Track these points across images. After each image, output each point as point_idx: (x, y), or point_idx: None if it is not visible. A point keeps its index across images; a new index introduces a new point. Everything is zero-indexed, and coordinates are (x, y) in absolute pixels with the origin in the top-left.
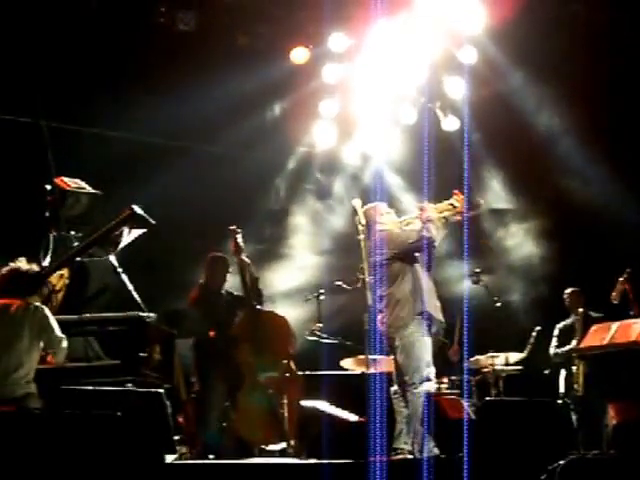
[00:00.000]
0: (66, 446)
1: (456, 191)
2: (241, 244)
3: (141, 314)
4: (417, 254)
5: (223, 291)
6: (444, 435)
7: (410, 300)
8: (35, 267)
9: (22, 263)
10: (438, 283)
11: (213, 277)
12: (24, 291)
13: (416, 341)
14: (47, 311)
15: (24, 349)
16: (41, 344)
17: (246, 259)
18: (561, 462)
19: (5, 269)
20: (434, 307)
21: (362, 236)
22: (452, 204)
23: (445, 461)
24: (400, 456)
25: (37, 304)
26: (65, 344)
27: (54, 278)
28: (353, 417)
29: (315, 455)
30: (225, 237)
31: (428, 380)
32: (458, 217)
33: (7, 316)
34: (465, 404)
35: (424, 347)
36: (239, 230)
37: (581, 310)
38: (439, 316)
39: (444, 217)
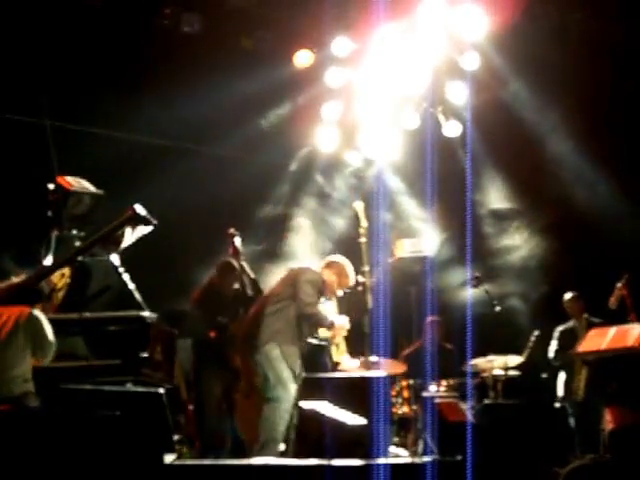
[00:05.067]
0: (65, 445)
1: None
2: (239, 248)
3: (142, 314)
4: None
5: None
6: (443, 438)
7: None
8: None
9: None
10: (440, 290)
11: (222, 282)
12: (25, 302)
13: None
14: (43, 317)
15: (18, 349)
16: (32, 347)
17: (244, 263)
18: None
19: (6, 283)
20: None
21: (363, 239)
22: None
23: (445, 464)
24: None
25: (35, 311)
26: (54, 350)
27: (55, 277)
28: (354, 419)
29: (315, 457)
30: (228, 239)
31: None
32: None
33: (3, 318)
34: (466, 407)
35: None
36: (237, 233)
37: (584, 316)
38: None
39: None
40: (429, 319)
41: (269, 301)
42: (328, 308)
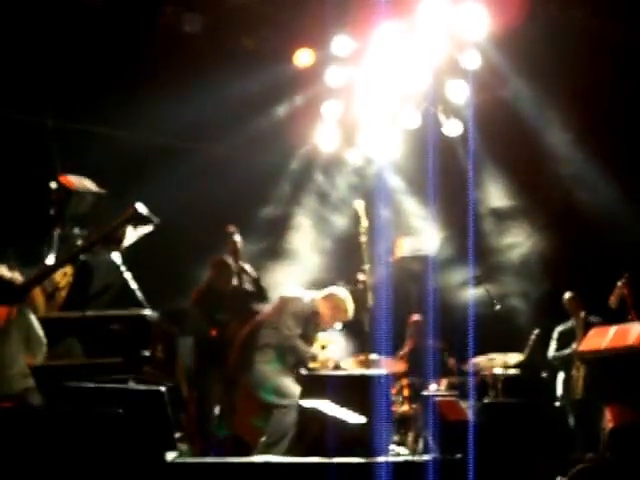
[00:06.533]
0: (67, 443)
1: None
2: (239, 245)
3: (144, 312)
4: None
5: (227, 290)
6: (443, 436)
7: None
8: (18, 276)
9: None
10: (441, 289)
11: (218, 279)
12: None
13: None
14: (32, 314)
15: (14, 348)
16: (25, 344)
17: (244, 263)
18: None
19: None
20: None
21: (364, 238)
22: None
23: (445, 462)
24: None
25: (23, 308)
26: (45, 348)
27: (58, 276)
28: (354, 418)
29: (315, 455)
30: (227, 237)
31: None
32: None
33: None
34: (466, 406)
35: None
36: (236, 230)
37: (582, 315)
38: None
39: None
40: (412, 319)
41: (260, 327)
42: (324, 337)
